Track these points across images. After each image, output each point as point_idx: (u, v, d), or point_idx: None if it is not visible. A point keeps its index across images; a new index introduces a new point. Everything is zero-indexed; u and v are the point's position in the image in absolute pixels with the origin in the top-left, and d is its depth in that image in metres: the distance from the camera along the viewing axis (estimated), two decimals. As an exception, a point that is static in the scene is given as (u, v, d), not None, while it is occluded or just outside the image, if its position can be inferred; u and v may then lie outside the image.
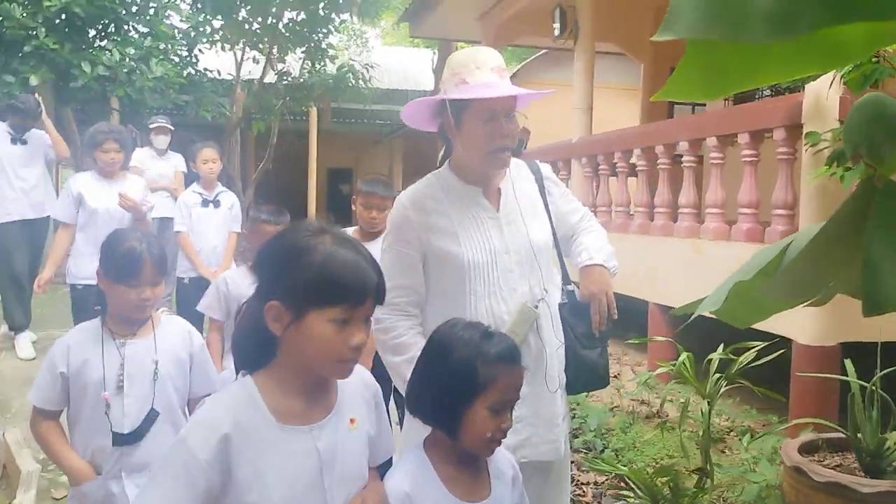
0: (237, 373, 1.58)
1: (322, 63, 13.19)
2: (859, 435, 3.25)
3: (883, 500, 3.04)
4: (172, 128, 7.54)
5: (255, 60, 12.99)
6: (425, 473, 1.67)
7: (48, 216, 5.90)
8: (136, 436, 2.33)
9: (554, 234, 2.41)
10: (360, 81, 12.76)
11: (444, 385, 1.64)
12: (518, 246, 2.29)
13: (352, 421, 1.57)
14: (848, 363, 3.42)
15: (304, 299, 1.42)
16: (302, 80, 13.07)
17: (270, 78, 13.19)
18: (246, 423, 1.44)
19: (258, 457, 1.43)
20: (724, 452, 4.29)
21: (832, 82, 3.64)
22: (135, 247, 2.33)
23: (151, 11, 9.39)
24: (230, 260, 5.52)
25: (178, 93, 9.33)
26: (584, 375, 2.35)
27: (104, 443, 2.32)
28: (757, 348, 3.27)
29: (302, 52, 13.29)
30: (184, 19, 10.11)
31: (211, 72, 11.06)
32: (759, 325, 4.15)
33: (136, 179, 5.19)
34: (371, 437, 1.65)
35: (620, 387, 5.39)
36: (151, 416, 2.35)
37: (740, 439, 4.11)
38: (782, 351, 3.45)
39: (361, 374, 1.65)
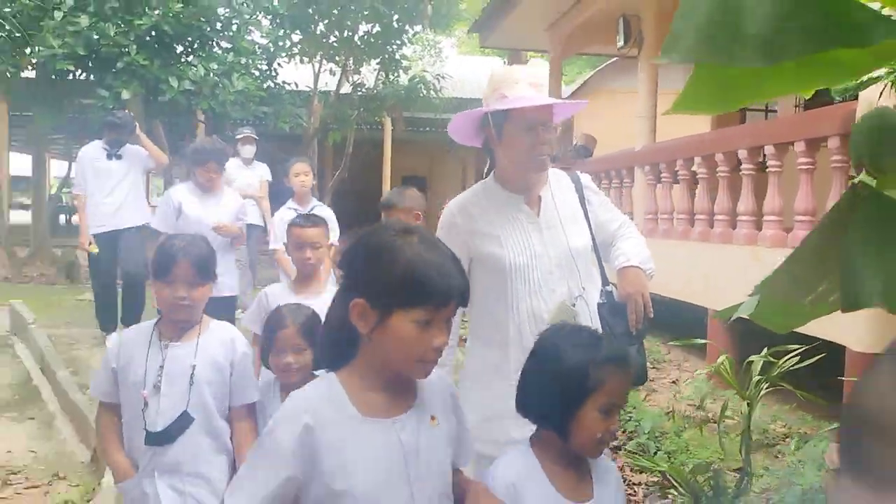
0: (317, 369, 1.64)
1: (396, 74, 13.54)
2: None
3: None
4: (257, 138, 7.88)
5: (332, 72, 13.45)
6: (531, 468, 1.72)
7: (139, 225, 6.24)
8: (166, 436, 2.34)
9: (593, 238, 2.54)
10: (431, 91, 13.05)
11: (557, 387, 1.68)
12: (557, 249, 2.43)
13: (433, 418, 1.57)
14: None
15: (390, 299, 1.44)
16: (376, 90, 13.46)
17: (346, 89, 13.62)
18: (329, 415, 1.46)
19: (342, 447, 1.44)
20: (777, 457, 4.32)
21: (882, 91, 3.67)
22: (172, 245, 2.39)
23: (234, 28, 9.89)
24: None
25: (258, 105, 9.79)
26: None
27: (139, 440, 2.36)
28: (797, 352, 3.33)
29: (377, 64, 13.69)
30: (264, 35, 10.59)
31: (289, 84, 11.51)
32: (812, 332, 4.20)
33: (232, 193, 5.36)
34: (452, 437, 1.63)
35: (677, 391, 5.45)
36: (184, 419, 2.35)
37: (786, 443, 4.15)
38: (823, 355, 3.49)
39: (440, 375, 1.65)
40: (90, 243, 6.13)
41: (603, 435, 1.69)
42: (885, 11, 1.51)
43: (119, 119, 6.33)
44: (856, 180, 3.53)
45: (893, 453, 1.16)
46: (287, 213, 5.59)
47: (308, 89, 12.94)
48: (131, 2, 8.63)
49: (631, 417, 4.95)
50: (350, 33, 12.90)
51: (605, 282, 2.53)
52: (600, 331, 2.32)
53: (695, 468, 3.37)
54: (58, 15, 8.42)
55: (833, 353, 4.17)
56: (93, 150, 6.31)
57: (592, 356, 1.68)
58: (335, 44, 13.20)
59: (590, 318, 2.38)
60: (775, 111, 8.94)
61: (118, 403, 2.41)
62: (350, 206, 10.90)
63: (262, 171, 7.87)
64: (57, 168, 25.14)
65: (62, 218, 20.59)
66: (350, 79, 13.40)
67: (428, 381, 1.56)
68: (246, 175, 7.73)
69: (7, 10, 8.80)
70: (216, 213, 4.89)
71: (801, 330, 4.11)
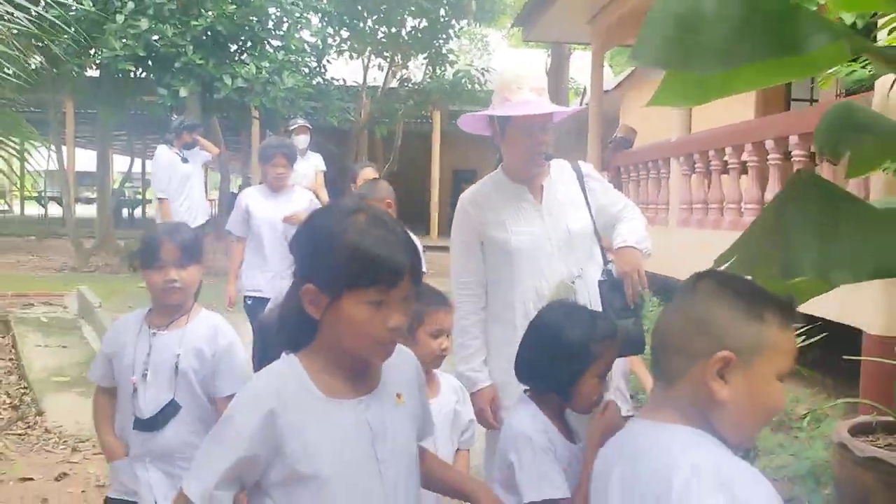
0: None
1: (443, 68, 13.81)
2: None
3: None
4: (311, 127, 8.03)
5: (380, 68, 13.80)
6: (538, 419, 1.96)
7: (203, 223, 6.53)
8: (153, 423, 2.35)
9: (594, 222, 2.77)
10: (476, 85, 13.28)
11: (561, 358, 1.92)
12: (558, 233, 2.67)
13: (398, 396, 1.55)
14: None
15: (338, 281, 1.39)
16: (422, 85, 13.76)
17: (394, 84, 13.96)
18: (292, 397, 1.42)
19: (305, 429, 1.40)
20: (797, 437, 4.48)
21: (894, 82, 3.78)
22: (157, 232, 2.44)
23: (285, 27, 10.28)
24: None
25: (306, 101, 10.16)
26: (623, 342, 2.72)
27: (129, 426, 2.39)
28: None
29: (424, 59, 13.99)
30: (313, 34, 10.95)
31: (338, 80, 11.89)
32: (831, 316, 4.34)
33: (303, 192, 5.35)
34: (417, 414, 1.63)
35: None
36: (171, 408, 2.36)
37: (802, 419, 4.32)
38: (825, 335, 3.65)
39: (404, 351, 1.64)
40: None
41: (598, 397, 1.94)
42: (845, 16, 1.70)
43: (196, 121, 6.77)
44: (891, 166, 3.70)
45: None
46: None
47: (356, 84, 13.30)
48: (187, 4, 9.08)
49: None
50: (397, 29, 13.22)
51: (605, 261, 2.76)
52: (597, 307, 2.57)
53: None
54: (119, 18, 8.91)
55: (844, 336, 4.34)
56: (168, 155, 6.63)
57: (593, 332, 1.93)
58: (383, 39, 13.55)
59: (588, 295, 2.61)
60: (817, 100, 8.94)
61: (113, 387, 2.45)
62: (400, 198, 11.10)
63: (317, 162, 8.00)
64: (120, 163, 26.10)
65: (125, 211, 21.42)
66: (397, 74, 13.72)
67: (392, 357, 1.50)
68: (301, 166, 7.70)
69: (72, 13, 9.31)
70: (287, 212, 4.80)
71: (820, 314, 4.26)
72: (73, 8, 9.27)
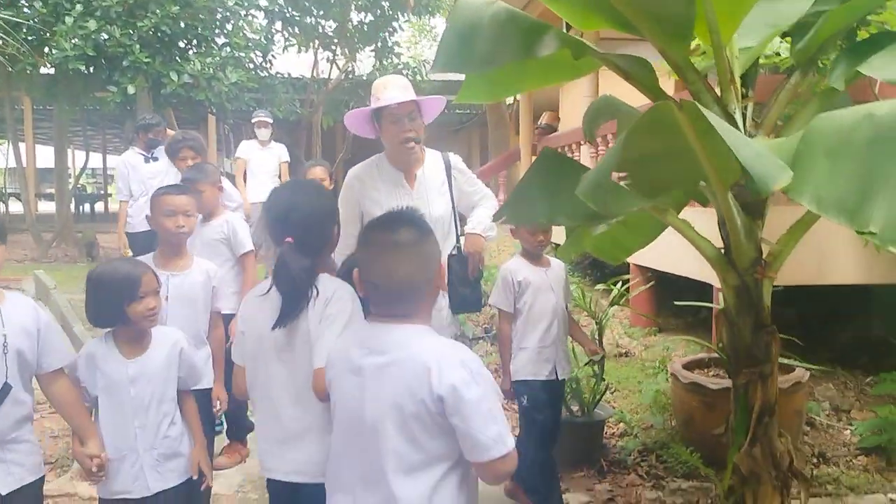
0: None
1: (389, 60, 14.39)
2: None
3: (727, 395, 3.94)
4: (271, 121, 8.50)
5: (328, 61, 14.36)
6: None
7: None
8: None
9: (453, 207, 3.41)
10: (418, 76, 13.89)
11: None
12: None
13: None
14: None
15: None
16: (370, 77, 14.35)
17: (341, 77, 14.53)
18: None
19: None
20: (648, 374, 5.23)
21: None
22: None
23: (229, 26, 10.81)
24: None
25: (251, 94, 10.71)
26: (462, 302, 3.38)
27: None
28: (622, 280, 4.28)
29: (371, 51, 14.58)
30: (254, 31, 11.48)
31: (283, 75, 12.44)
32: (686, 273, 5.06)
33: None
34: None
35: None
36: (4, 391, 2.35)
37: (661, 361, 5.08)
38: (652, 283, 4.38)
39: None
40: (125, 246, 6.54)
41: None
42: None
43: (151, 120, 6.72)
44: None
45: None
46: None
47: (304, 78, 13.86)
48: (133, 6, 9.57)
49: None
50: (343, 23, 13.77)
51: (457, 239, 3.43)
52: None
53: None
54: (69, 20, 9.38)
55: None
56: (131, 157, 6.66)
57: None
58: (330, 34, 14.11)
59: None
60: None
61: None
62: None
63: (281, 153, 8.44)
64: (79, 159, 26.23)
65: (86, 206, 21.67)
66: (342, 66, 14.31)
67: None
68: (264, 157, 8.33)
69: (26, 11, 9.77)
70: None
71: (683, 272, 5.00)
72: (24, 9, 9.76)
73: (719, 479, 2.82)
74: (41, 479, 2.54)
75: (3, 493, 2.36)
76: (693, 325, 5.88)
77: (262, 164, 8.33)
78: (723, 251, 2.55)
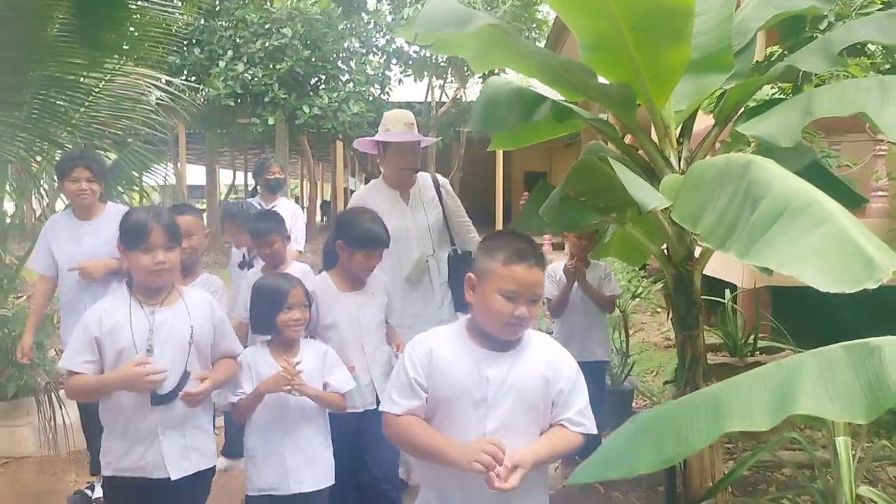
0: None
1: (499, 84, 15.61)
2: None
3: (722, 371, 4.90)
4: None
5: (440, 88, 15.85)
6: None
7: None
8: (172, 396, 2.42)
9: (446, 220, 3.81)
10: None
11: None
12: (418, 226, 3.71)
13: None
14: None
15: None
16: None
17: (450, 102, 15.99)
18: None
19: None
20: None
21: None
22: (141, 216, 2.40)
23: (352, 64, 12.45)
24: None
25: (370, 123, 12.29)
26: (462, 300, 3.81)
27: (142, 402, 2.40)
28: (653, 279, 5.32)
29: (479, 78, 15.95)
30: (372, 69, 13.08)
31: (399, 104, 14.01)
32: (714, 274, 6.03)
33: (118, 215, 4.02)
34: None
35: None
36: (185, 378, 2.44)
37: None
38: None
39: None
40: None
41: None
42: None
43: (263, 161, 5.74)
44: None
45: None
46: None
47: (420, 104, 15.41)
48: (273, 51, 11.34)
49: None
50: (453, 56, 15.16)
51: (452, 243, 3.87)
52: (445, 276, 3.77)
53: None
54: (221, 64, 11.24)
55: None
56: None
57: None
58: (443, 64, 15.59)
59: (438, 269, 3.76)
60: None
61: (99, 371, 2.42)
62: (468, 203, 12.82)
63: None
64: (224, 176, 28.74)
65: (232, 218, 23.71)
66: (452, 94, 15.75)
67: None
68: None
69: (186, 59, 11.71)
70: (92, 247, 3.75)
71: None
72: (184, 55, 11.73)
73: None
74: (212, 470, 2.63)
75: (174, 478, 2.45)
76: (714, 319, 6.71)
77: None
78: (664, 250, 3.62)
